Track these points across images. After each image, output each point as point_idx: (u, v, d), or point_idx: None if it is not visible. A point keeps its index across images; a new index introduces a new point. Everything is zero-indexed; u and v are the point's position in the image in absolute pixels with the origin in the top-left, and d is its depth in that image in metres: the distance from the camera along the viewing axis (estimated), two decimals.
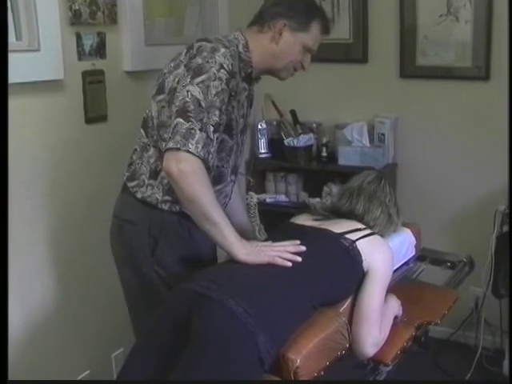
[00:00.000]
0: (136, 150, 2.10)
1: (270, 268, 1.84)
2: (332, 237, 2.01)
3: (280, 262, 1.84)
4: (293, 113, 3.38)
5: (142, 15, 2.62)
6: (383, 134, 3.23)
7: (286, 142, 3.33)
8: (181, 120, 1.82)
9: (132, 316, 2.21)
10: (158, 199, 2.01)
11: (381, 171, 2.27)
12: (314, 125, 3.41)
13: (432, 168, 3.28)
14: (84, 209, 2.52)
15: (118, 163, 2.60)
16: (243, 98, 2.07)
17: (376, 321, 1.94)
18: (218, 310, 1.69)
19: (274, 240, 1.98)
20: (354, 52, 3.31)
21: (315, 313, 1.86)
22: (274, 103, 3.46)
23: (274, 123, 3.50)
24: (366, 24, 3.27)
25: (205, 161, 1.83)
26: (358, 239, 1.99)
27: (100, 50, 2.47)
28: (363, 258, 1.97)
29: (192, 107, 1.83)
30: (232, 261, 1.88)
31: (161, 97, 1.99)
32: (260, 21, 2.10)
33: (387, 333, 1.98)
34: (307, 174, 3.47)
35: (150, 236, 2.01)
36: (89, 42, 2.41)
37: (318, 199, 3.35)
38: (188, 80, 1.88)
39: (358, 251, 1.97)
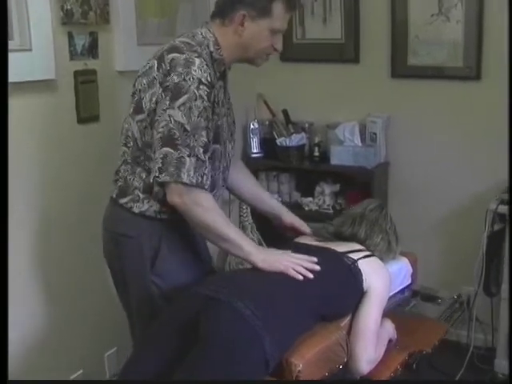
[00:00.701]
0: (121, 165, 2.06)
1: (278, 276, 1.90)
2: (335, 255, 2.07)
3: (293, 273, 1.90)
4: (285, 112, 3.39)
5: (134, 15, 2.63)
6: (375, 134, 3.24)
7: (278, 141, 3.34)
8: (169, 150, 1.82)
9: (131, 325, 2.23)
10: (155, 211, 1.99)
11: (382, 202, 2.37)
12: (306, 124, 3.42)
13: (423, 167, 3.29)
14: (76, 208, 2.52)
15: (110, 163, 2.61)
16: (222, 97, 2.04)
17: (372, 339, 2.00)
18: (227, 311, 1.74)
19: None
20: (346, 52, 3.32)
21: (317, 325, 1.93)
22: (266, 103, 3.47)
23: (266, 123, 3.51)
24: (358, 24, 3.28)
25: (200, 185, 1.85)
26: (359, 259, 2.06)
27: (92, 49, 2.47)
28: (364, 277, 2.03)
29: (177, 134, 1.82)
30: (241, 269, 1.95)
31: (140, 117, 1.94)
32: (219, 13, 2.02)
33: (381, 353, 2.05)
34: (299, 174, 3.48)
35: (151, 247, 2.00)
36: (81, 41, 2.42)
37: (310, 199, 3.36)
38: (167, 103, 1.83)
39: (360, 270, 2.04)
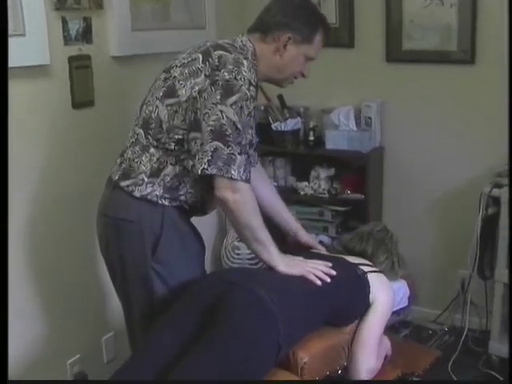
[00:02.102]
0: (129, 147, 2.07)
1: (294, 277, 2.00)
2: (348, 264, 2.18)
3: (312, 277, 2.00)
4: (280, 97, 3.38)
5: (127, 0, 2.62)
6: (370, 118, 3.25)
7: (273, 126, 3.34)
8: (220, 144, 1.86)
9: (128, 324, 2.22)
10: (157, 196, 2.00)
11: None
12: (302, 109, 3.42)
13: (418, 151, 3.30)
14: (72, 194, 2.53)
15: (106, 148, 2.63)
16: None
17: (374, 348, 2.08)
18: (246, 293, 1.83)
19: None
20: (341, 37, 3.32)
21: (322, 328, 2.04)
22: (261, 88, 3.44)
23: (262, 108, 3.50)
24: (352, 9, 3.27)
25: (248, 181, 1.92)
26: (368, 272, 2.16)
27: (86, 34, 2.47)
28: (371, 289, 2.11)
29: (230, 131, 1.86)
30: (257, 268, 2.07)
31: (171, 100, 1.96)
32: (262, 28, 2.07)
33: (380, 365, 2.12)
34: (295, 158, 3.50)
35: (153, 233, 2.01)
36: (75, 26, 2.42)
37: (305, 183, 3.37)
38: (218, 98, 1.87)
39: (368, 282, 2.13)
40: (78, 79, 2.45)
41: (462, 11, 3.03)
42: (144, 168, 2.01)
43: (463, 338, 3.03)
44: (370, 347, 2.08)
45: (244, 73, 1.90)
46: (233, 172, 1.87)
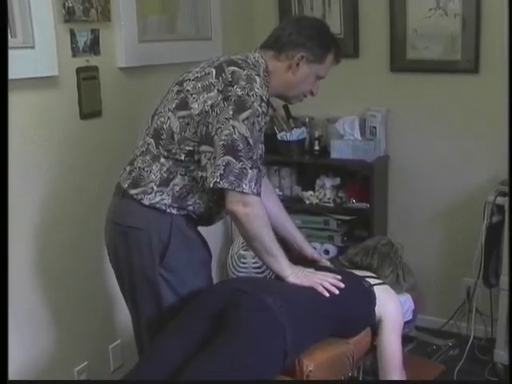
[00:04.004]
0: (139, 156, 2.09)
1: (301, 287, 2.04)
2: (354, 276, 2.23)
3: (320, 289, 2.04)
4: (285, 107, 3.41)
5: (135, 12, 2.65)
6: (375, 127, 3.27)
7: (279, 136, 3.36)
8: (231, 159, 1.89)
9: (136, 323, 2.23)
10: (166, 205, 2.03)
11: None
12: (307, 119, 3.44)
13: (423, 160, 3.32)
14: (79, 204, 2.55)
15: (113, 157, 2.65)
16: None
17: (400, 364, 2.11)
18: (255, 301, 1.86)
19: None
20: (346, 47, 3.31)
21: (327, 339, 2.06)
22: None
23: (267, 118, 3.52)
24: (357, 19, 3.30)
25: (259, 195, 1.96)
26: (374, 284, 2.19)
27: (94, 46, 2.50)
28: (377, 302, 2.14)
29: (241, 146, 1.90)
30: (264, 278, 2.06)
31: (183, 113, 2.00)
32: (276, 46, 2.11)
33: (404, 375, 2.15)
34: (300, 168, 3.51)
35: (160, 240, 2.03)
36: (83, 38, 2.45)
37: (311, 192, 3.39)
38: (231, 114, 1.91)
39: (375, 295, 2.16)
40: (85, 90, 2.48)
41: (466, 21, 3.05)
42: (154, 177, 2.03)
43: (469, 346, 3.03)
44: (397, 367, 2.10)
45: (256, 89, 1.94)
46: (244, 186, 1.90)
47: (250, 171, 1.91)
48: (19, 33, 2.22)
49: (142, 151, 2.09)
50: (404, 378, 2.11)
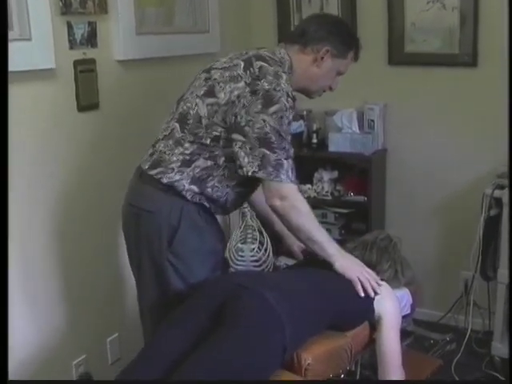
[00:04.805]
0: (161, 140, 2.15)
1: (300, 280, 2.06)
2: None
3: (359, 288, 2.10)
4: None
5: (132, 4, 2.64)
6: (373, 121, 3.27)
7: None
8: (266, 151, 1.98)
9: (141, 305, 2.28)
10: (184, 186, 2.07)
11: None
12: (305, 112, 3.44)
13: (421, 153, 3.32)
14: (78, 196, 2.55)
15: (111, 150, 2.65)
16: None
17: (399, 361, 2.12)
18: (254, 297, 1.87)
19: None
20: None
21: (325, 332, 2.07)
22: None
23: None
24: (355, 12, 3.29)
25: (296, 183, 2.06)
26: None
27: (91, 39, 2.49)
28: (375, 297, 2.14)
29: (274, 138, 1.99)
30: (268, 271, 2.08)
31: (211, 100, 2.06)
32: (302, 41, 2.18)
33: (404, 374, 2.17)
34: (298, 161, 3.42)
35: (170, 226, 2.07)
36: (80, 31, 2.44)
37: (308, 185, 3.39)
38: (260, 107, 1.98)
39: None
40: (83, 83, 2.47)
41: (464, 14, 3.05)
42: (175, 159, 2.09)
43: (466, 339, 3.04)
44: (397, 364, 2.12)
45: (283, 85, 2.02)
46: (282, 176, 2.00)
47: (285, 161, 2.01)
48: (16, 25, 2.20)
49: (165, 135, 2.14)
50: (403, 376, 2.12)
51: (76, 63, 2.44)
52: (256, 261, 3.11)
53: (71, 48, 2.42)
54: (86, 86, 2.49)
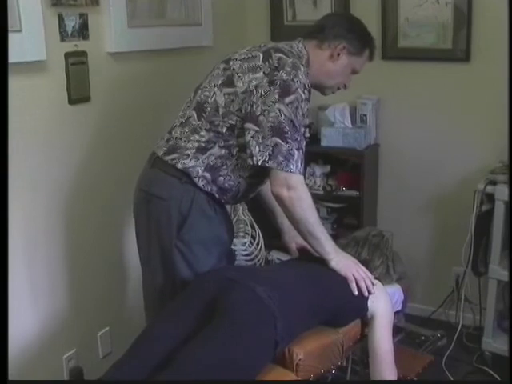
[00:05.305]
0: (178, 126, 2.19)
1: (293, 275, 2.06)
2: None
3: (353, 286, 2.11)
4: None
5: None
6: (365, 115, 3.27)
7: None
8: (279, 141, 2.00)
9: (146, 293, 2.31)
10: (198, 172, 2.11)
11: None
12: None
13: (413, 148, 3.32)
14: (70, 190, 2.53)
15: (102, 143, 2.64)
16: None
17: (392, 359, 2.13)
18: (245, 292, 1.88)
19: None
20: None
21: (317, 328, 2.08)
22: None
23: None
24: (348, 6, 3.28)
25: (302, 174, 2.06)
26: None
27: (82, 31, 2.47)
28: (370, 296, 2.15)
29: (287, 128, 2.00)
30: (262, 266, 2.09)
31: (229, 90, 2.09)
32: (320, 36, 2.23)
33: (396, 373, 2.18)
34: None
35: (180, 213, 2.10)
36: (71, 23, 2.41)
37: None
38: (276, 97, 2.01)
39: None
40: (74, 75, 2.46)
41: (458, 9, 3.04)
42: (191, 146, 2.13)
43: (457, 334, 3.05)
44: (389, 362, 2.13)
45: (300, 77, 2.04)
46: (292, 166, 2.01)
47: (296, 152, 2.02)
48: None
49: (182, 122, 2.18)
50: (395, 373, 2.13)
51: (67, 55, 2.42)
52: (248, 255, 3.10)
53: (62, 40, 2.40)
54: (77, 78, 2.47)
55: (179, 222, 2.10)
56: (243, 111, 2.06)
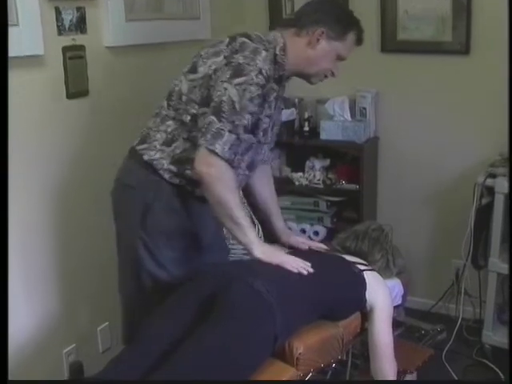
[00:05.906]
0: (152, 117, 2.17)
1: (290, 271, 2.01)
2: (345, 261, 2.23)
3: (289, 266, 2.01)
4: None
5: None
6: (364, 108, 3.26)
7: None
8: (214, 118, 1.93)
9: (120, 292, 2.30)
10: (163, 165, 2.08)
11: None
12: (296, 100, 3.42)
13: (413, 141, 3.31)
14: (67, 183, 2.53)
15: (100, 137, 2.63)
16: (271, 99, 2.12)
17: (391, 353, 2.13)
18: (243, 286, 1.86)
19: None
20: None
21: (316, 322, 2.07)
22: None
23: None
24: None
25: (230, 161, 1.94)
26: (364, 270, 2.19)
27: (80, 25, 2.46)
28: (367, 287, 2.14)
29: (226, 108, 1.93)
30: (256, 260, 2.02)
31: (192, 76, 2.07)
32: (298, 24, 2.15)
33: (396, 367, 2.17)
34: (290, 149, 3.50)
35: (144, 202, 2.08)
36: (68, 16, 2.40)
37: (300, 174, 3.38)
38: (227, 76, 1.96)
39: (364, 279, 2.16)
40: (72, 69, 2.44)
41: (457, 2, 3.03)
42: (159, 136, 2.10)
43: (457, 327, 3.05)
44: (389, 355, 2.13)
45: (258, 61, 1.97)
46: (217, 146, 1.91)
47: (227, 133, 1.92)
48: None
49: (156, 113, 2.16)
50: (395, 367, 2.13)
51: (65, 49, 2.41)
52: (244, 249, 3.09)
53: (60, 34, 2.39)
54: (75, 72, 2.46)
55: (143, 211, 2.07)
56: (199, 97, 2.02)
